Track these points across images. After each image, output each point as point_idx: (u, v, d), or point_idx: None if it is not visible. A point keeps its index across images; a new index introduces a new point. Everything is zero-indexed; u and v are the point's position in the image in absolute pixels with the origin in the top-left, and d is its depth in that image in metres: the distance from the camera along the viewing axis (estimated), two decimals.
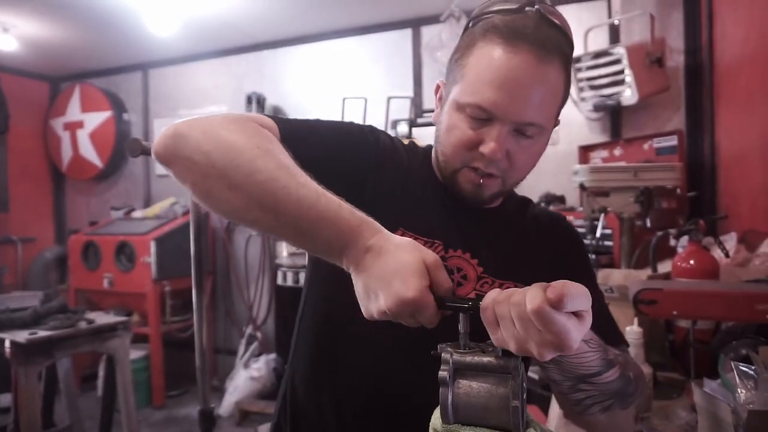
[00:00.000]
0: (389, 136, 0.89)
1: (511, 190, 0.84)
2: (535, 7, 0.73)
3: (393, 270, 0.57)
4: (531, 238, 0.85)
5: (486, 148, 0.73)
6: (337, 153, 0.79)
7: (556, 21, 0.74)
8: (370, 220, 0.62)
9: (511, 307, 0.50)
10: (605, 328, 0.80)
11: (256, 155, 0.63)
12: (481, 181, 0.77)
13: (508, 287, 0.57)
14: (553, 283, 0.49)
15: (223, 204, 0.64)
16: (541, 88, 0.72)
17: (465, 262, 0.81)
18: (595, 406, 0.76)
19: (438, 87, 0.85)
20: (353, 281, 0.61)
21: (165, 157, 0.67)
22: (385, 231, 0.62)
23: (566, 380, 0.71)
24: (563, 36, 0.75)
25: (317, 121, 0.83)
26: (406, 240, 0.60)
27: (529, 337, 0.49)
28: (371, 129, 0.87)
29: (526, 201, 0.94)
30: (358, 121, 3.68)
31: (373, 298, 0.58)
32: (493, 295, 0.53)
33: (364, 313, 0.60)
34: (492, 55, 0.72)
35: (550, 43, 0.72)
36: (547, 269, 0.70)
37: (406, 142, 0.92)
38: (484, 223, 0.85)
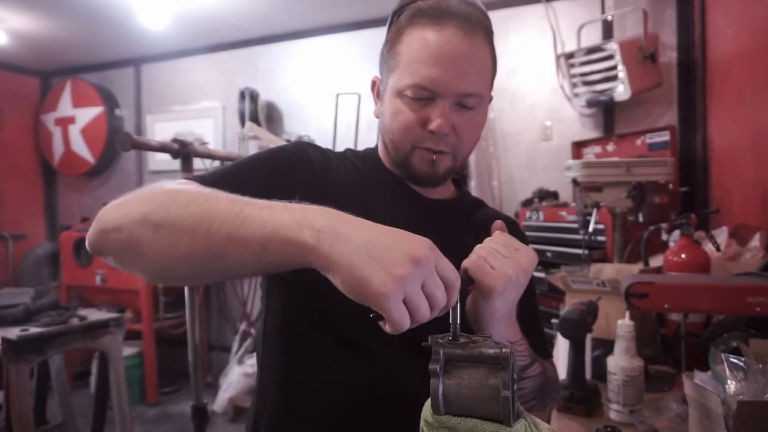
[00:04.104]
0: (315, 146, 0.86)
1: (462, 165, 0.86)
2: None
3: (385, 232, 0.52)
4: (481, 236, 0.76)
5: (433, 125, 0.76)
6: (272, 175, 0.75)
7: (472, 1, 0.79)
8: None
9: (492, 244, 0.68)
10: (537, 339, 0.85)
11: (168, 198, 0.60)
12: (434, 156, 0.79)
13: None
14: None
15: (153, 251, 0.59)
16: (472, 58, 0.76)
17: None
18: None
19: (374, 83, 0.88)
20: (333, 261, 0.50)
21: (95, 246, 0.67)
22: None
23: None
24: (482, 13, 0.79)
25: (237, 162, 0.79)
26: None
27: (512, 256, 0.66)
28: (295, 144, 0.83)
29: (480, 201, 0.97)
30: (352, 116, 3.69)
31: (378, 266, 0.48)
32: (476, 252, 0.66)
33: (367, 297, 0.49)
34: (422, 36, 0.75)
35: (473, 17, 0.77)
36: None
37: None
38: (438, 214, 0.85)
